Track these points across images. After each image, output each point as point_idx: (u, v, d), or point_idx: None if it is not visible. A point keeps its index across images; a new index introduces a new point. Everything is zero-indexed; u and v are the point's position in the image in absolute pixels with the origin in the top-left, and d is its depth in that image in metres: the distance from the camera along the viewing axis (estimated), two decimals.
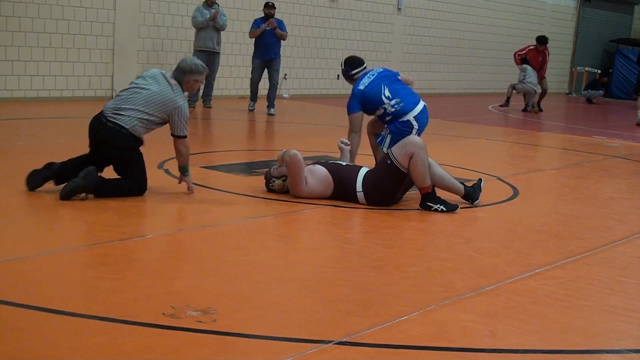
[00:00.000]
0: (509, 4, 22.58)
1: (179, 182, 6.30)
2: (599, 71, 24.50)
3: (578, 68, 25.14)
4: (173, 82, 6.12)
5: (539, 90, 17.09)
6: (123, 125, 5.95)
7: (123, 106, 6.02)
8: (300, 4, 16.36)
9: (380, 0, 18.32)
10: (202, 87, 13.32)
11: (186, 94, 6.44)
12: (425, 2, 19.71)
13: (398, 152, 6.03)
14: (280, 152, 6.32)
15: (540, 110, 17.01)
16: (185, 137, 6.20)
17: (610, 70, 24.80)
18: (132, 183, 6.03)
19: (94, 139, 6.12)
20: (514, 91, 16.87)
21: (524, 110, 17.11)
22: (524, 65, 17.00)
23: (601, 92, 22.07)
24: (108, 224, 5.20)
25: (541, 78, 17.13)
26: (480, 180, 6.62)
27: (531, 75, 16.83)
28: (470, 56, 21.53)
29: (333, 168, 6.26)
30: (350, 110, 7.06)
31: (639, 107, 15.94)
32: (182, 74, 6.16)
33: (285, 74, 15.67)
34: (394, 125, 6.86)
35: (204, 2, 13.11)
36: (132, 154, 6.09)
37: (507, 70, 22.80)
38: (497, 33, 22.31)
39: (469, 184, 6.56)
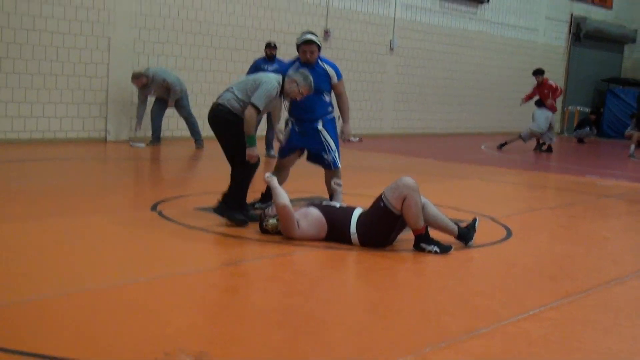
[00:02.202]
0: (500, 43, 22.79)
1: None
2: (590, 110, 24.68)
3: (569, 107, 25.31)
4: (279, 75, 6.83)
5: (544, 130, 17.13)
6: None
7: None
8: (293, 44, 16.45)
9: (373, 40, 18.47)
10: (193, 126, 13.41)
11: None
12: (418, 42, 19.88)
13: (391, 194, 6.04)
14: (266, 176, 6.39)
15: (543, 150, 17.14)
16: (256, 107, 6.57)
17: (602, 109, 24.98)
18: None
19: None
20: (523, 141, 17.02)
21: (536, 149, 17.21)
22: (533, 112, 17.14)
23: (590, 130, 22.19)
24: (99, 267, 5.18)
25: (554, 106, 17.25)
26: (475, 219, 6.62)
27: (539, 117, 16.90)
28: (463, 95, 21.67)
29: (327, 210, 6.26)
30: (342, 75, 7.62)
31: (633, 141, 16.10)
32: (299, 74, 6.80)
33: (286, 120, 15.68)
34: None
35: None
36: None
37: (499, 110, 22.99)
38: (489, 73, 22.48)
39: (464, 224, 6.56)
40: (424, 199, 6.21)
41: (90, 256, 5.49)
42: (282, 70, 7.55)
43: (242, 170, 6.80)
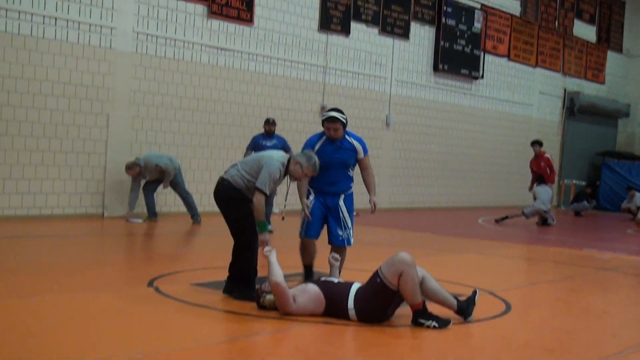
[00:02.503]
0: (495, 118, 23.04)
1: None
2: (586, 183, 24.82)
3: (565, 181, 25.43)
4: (285, 156, 6.88)
5: (549, 207, 17.22)
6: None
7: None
8: (290, 120, 16.64)
9: (369, 116, 18.66)
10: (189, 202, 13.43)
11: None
12: (413, 118, 20.09)
13: (387, 270, 6.02)
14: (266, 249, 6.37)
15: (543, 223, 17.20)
16: (262, 192, 6.61)
17: (598, 183, 25.11)
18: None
19: None
20: (525, 217, 17.07)
21: (540, 224, 17.24)
22: (535, 189, 17.22)
23: (587, 204, 22.27)
24: (96, 343, 5.12)
25: (552, 182, 17.38)
26: (475, 292, 6.57)
27: (543, 194, 16.98)
28: (459, 170, 21.79)
29: (325, 286, 6.23)
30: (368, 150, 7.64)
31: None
32: (303, 156, 6.86)
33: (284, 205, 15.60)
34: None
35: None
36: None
37: (495, 184, 23.09)
38: (484, 147, 22.66)
39: (463, 298, 6.51)
40: (424, 273, 6.19)
41: (86, 332, 5.44)
42: (281, 145, 7.64)
43: (246, 253, 6.79)
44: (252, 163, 6.83)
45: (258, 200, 6.61)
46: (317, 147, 7.43)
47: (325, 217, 7.53)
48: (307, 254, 7.58)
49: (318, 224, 7.55)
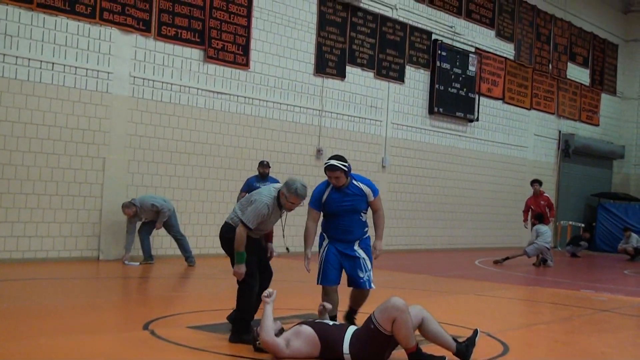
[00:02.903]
0: (491, 160, 23.11)
1: None
2: (583, 225, 24.83)
3: (562, 222, 25.44)
4: (275, 189, 6.88)
5: (550, 245, 17.26)
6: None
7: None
8: (286, 162, 16.68)
9: (364, 158, 18.71)
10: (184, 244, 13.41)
11: None
12: (409, 160, 20.15)
13: (380, 316, 5.99)
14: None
15: (541, 264, 17.18)
16: (245, 225, 6.70)
17: (594, 224, 25.13)
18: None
19: None
20: (527, 256, 17.07)
21: (538, 265, 17.24)
22: (535, 227, 17.27)
23: (584, 244, 22.29)
24: None
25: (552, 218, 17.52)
26: (476, 332, 6.49)
27: (545, 233, 17.04)
28: (455, 212, 21.80)
29: (320, 327, 6.19)
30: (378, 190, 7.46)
31: None
32: (284, 185, 6.81)
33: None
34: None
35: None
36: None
37: (492, 226, 23.08)
38: (480, 189, 22.70)
39: (463, 339, 6.42)
40: (425, 314, 6.16)
41: None
42: None
43: (244, 294, 6.81)
44: (245, 202, 6.92)
45: (239, 231, 6.67)
46: (324, 196, 7.30)
47: (341, 263, 7.32)
48: (328, 302, 7.11)
49: (335, 269, 7.31)
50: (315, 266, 7.31)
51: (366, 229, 7.44)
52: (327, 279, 7.28)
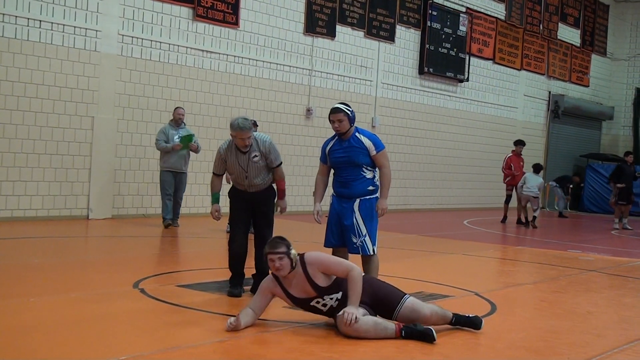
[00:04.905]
0: (481, 120, 23.13)
1: None
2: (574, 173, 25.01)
3: (550, 183, 25.53)
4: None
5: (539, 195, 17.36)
6: None
7: None
8: (276, 122, 16.65)
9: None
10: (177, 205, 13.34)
11: None
12: (399, 120, 20.14)
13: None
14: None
15: (535, 226, 17.23)
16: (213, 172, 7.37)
17: (582, 184, 25.24)
18: None
19: None
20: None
21: (520, 223, 17.36)
22: (525, 175, 17.45)
23: (572, 185, 22.52)
24: (81, 346, 5.10)
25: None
26: (479, 321, 6.20)
27: (530, 180, 17.18)
28: (444, 172, 21.86)
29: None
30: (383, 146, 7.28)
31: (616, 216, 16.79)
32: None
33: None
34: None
35: (171, 121, 13.19)
36: None
37: (481, 186, 23.17)
38: (469, 149, 22.73)
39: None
40: (420, 302, 6.03)
41: (71, 334, 5.41)
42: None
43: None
44: None
45: (211, 177, 7.42)
46: (327, 148, 7.15)
47: (340, 220, 7.02)
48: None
49: (334, 230, 7.07)
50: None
51: (371, 187, 7.06)
52: (326, 240, 7.19)
